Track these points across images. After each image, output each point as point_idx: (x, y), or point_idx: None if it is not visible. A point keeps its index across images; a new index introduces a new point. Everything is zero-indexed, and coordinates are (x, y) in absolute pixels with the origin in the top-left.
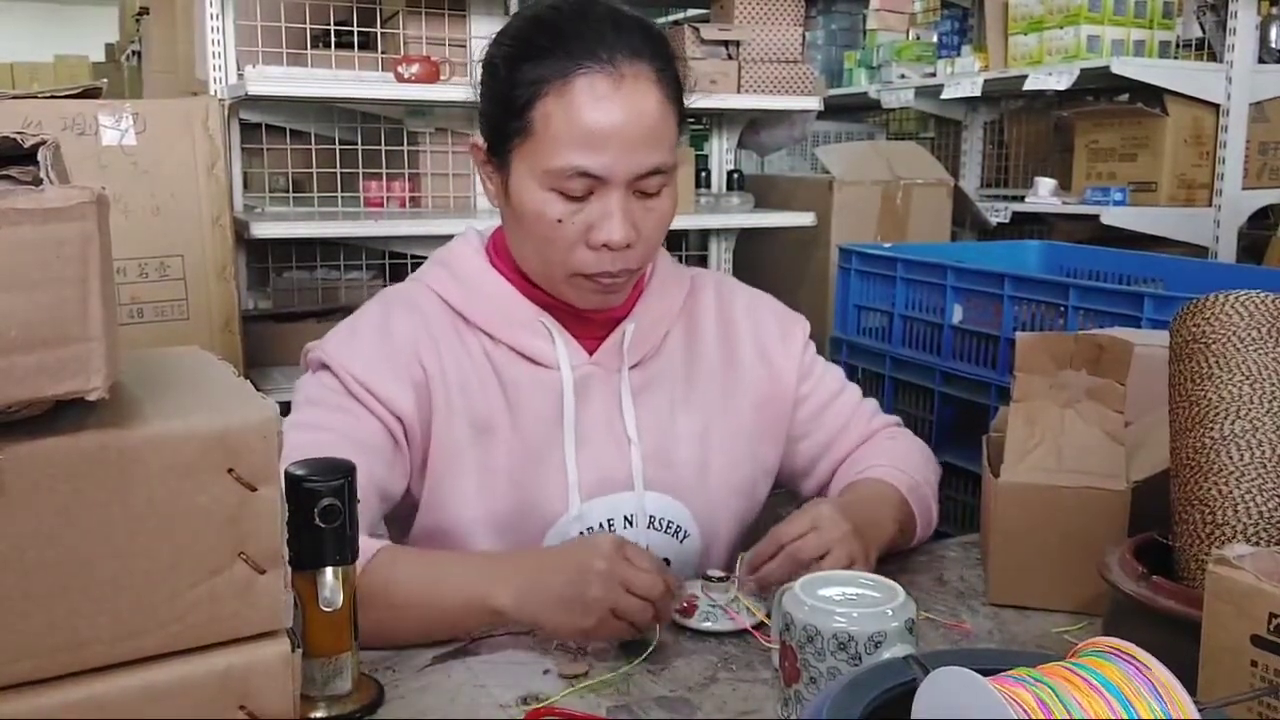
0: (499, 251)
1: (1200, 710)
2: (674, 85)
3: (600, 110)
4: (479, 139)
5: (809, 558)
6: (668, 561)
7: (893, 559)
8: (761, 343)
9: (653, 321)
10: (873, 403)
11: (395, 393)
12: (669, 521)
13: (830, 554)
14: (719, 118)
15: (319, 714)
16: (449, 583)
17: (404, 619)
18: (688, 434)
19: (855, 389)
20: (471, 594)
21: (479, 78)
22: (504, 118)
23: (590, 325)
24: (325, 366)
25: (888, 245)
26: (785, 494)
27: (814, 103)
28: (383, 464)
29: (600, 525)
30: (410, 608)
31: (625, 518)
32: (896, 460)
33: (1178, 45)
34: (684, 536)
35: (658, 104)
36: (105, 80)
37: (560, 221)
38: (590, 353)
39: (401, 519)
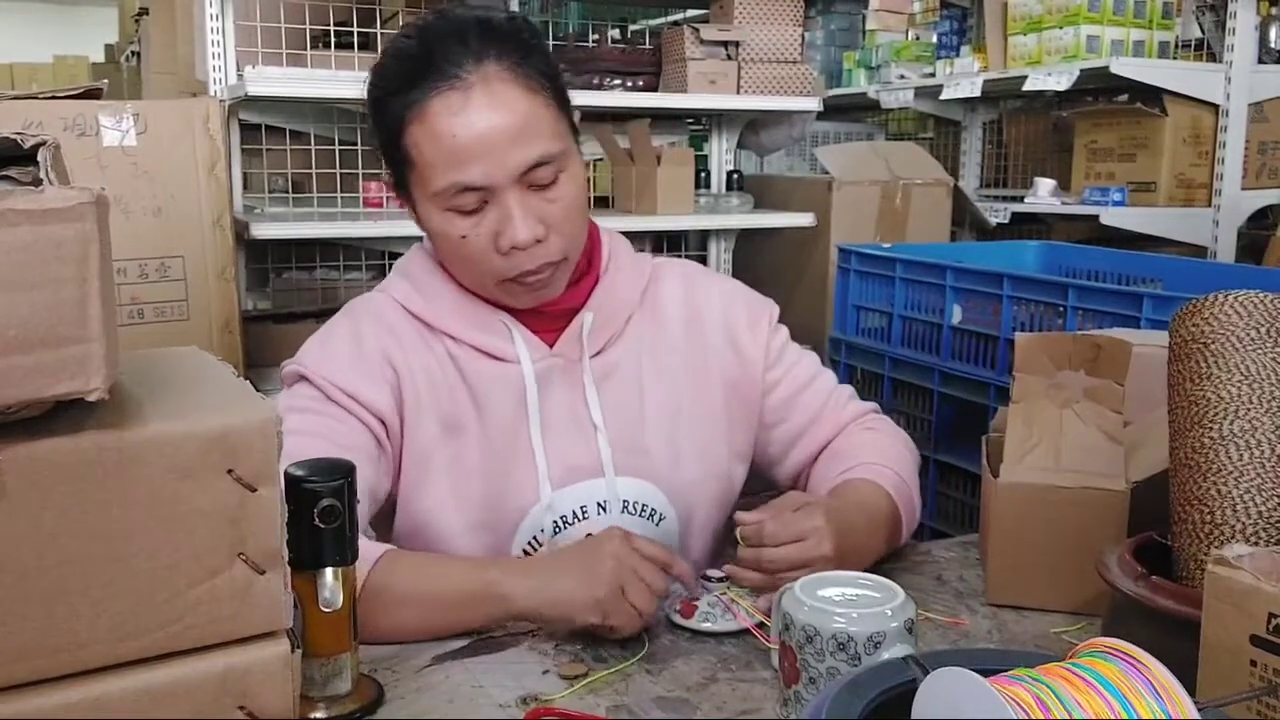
0: None
1: (1199, 710)
2: (538, 72)
3: (458, 124)
4: (387, 174)
5: (782, 570)
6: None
7: (892, 559)
8: (730, 329)
9: (611, 310)
10: (848, 389)
11: (374, 395)
12: (642, 505)
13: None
14: (718, 118)
15: (319, 714)
16: (455, 575)
17: (410, 614)
18: (656, 418)
19: (830, 375)
20: (478, 583)
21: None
22: (388, 152)
23: (548, 319)
24: (303, 378)
25: (887, 245)
26: (765, 487)
27: (813, 103)
28: (370, 466)
29: (573, 513)
30: (416, 602)
31: (598, 504)
32: (880, 456)
33: (1177, 45)
34: (659, 519)
35: (519, 98)
36: (106, 81)
37: (465, 237)
38: (551, 345)
39: (382, 520)
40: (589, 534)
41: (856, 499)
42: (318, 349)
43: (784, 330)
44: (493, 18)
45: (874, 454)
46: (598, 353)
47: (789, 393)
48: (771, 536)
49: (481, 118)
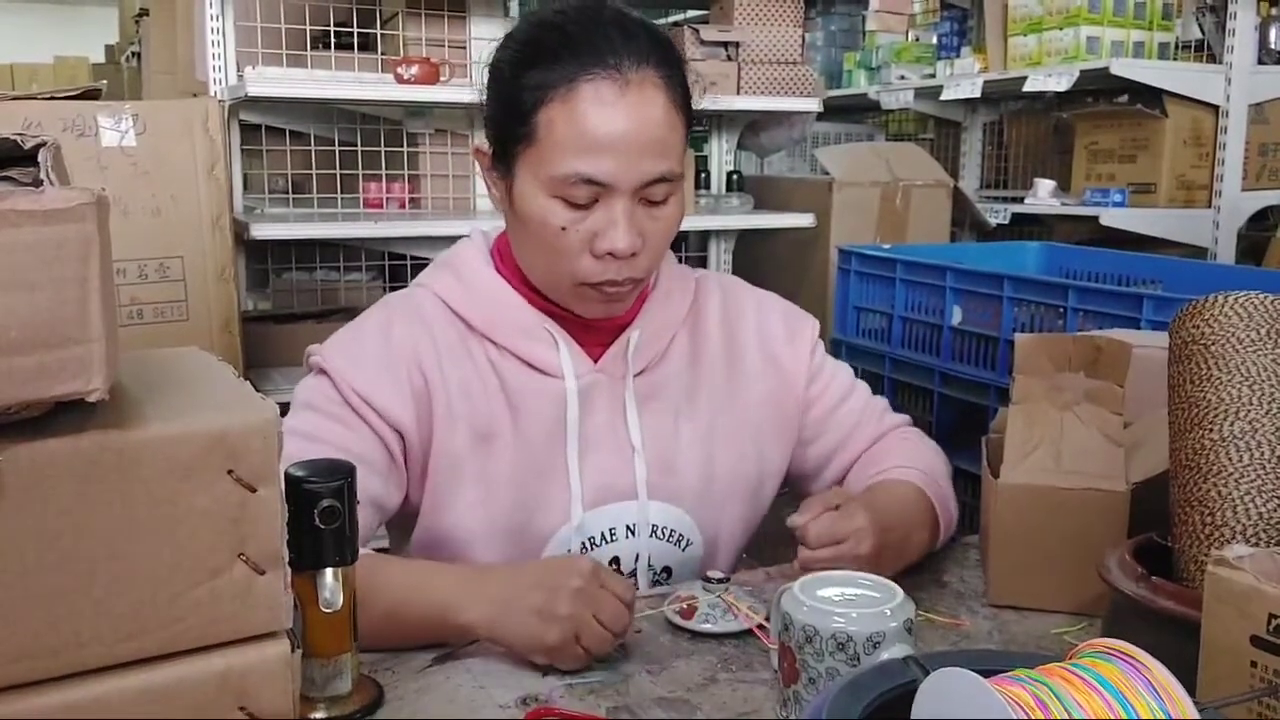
0: (504, 256)
1: (1200, 710)
2: (681, 92)
3: (605, 117)
4: (484, 144)
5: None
6: (666, 575)
7: None
8: (768, 346)
9: (657, 329)
10: (882, 401)
11: (394, 404)
12: (671, 530)
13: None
14: (718, 119)
15: (319, 715)
16: (420, 595)
17: (376, 627)
18: (691, 441)
19: (864, 387)
20: (441, 607)
21: (484, 82)
22: (509, 123)
23: (595, 333)
24: (325, 373)
25: (887, 246)
26: (790, 495)
27: (813, 104)
28: (378, 478)
29: (602, 535)
30: (383, 617)
31: (627, 527)
32: (910, 460)
33: (1177, 46)
34: (686, 545)
35: (664, 111)
36: (105, 81)
37: (564, 229)
38: (595, 360)
39: (401, 526)
40: (615, 556)
41: (891, 497)
42: (345, 344)
43: (821, 344)
44: (658, 28)
45: (904, 458)
46: (640, 372)
47: (828, 408)
48: (815, 539)
49: (629, 116)
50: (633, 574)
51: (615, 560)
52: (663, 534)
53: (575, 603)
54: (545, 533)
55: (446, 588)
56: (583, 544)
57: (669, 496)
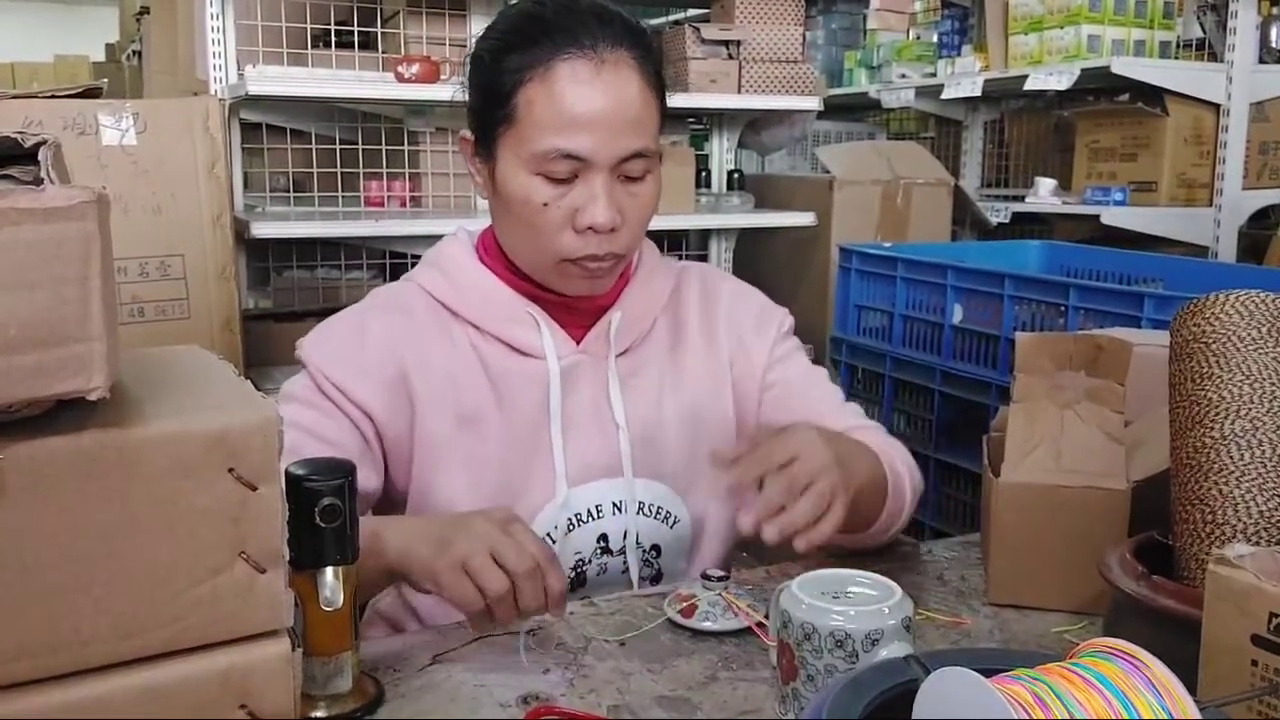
0: (488, 250)
1: (1200, 709)
2: (655, 76)
3: (581, 95)
4: (467, 132)
5: (797, 487)
6: (655, 553)
7: (892, 558)
8: (738, 331)
9: (639, 310)
10: (853, 406)
11: (365, 391)
12: (658, 507)
13: (813, 485)
14: (719, 117)
15: (319, 713)
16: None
17: None
18: (676, 420)
19: (836, 390)
20: (367, 535)
21: (466, 73)
22: (489, 107)
23: (577, 314)
24: (304, 365)
25: (888, 245)
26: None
27: (814, 102)
28: (354, 462)
29: (588, 511)
30: None
31: (614, 503)
32: (875, 442)
33: (1178, 45)
34: (674, 522)
35: (639, 90)
36: (105, 80)
37: (546, 205)
38: (578, 342)
39: (393, 513)
40: (602, 533)
41: (842, 438)
42: (320, 336)
43: (793, 340)
44: (634, 18)
45: (864, 438)
46: (623, 352)
47: (782, 397)
48: (770, 460)
49: (605, 93)
50: (621, 551)
51: (603, 537)
52: (649, 510)
53: (470, 538)
54: (531, 511)
55: (377, 520)
56: (568, 520)
57: (655, 473)
